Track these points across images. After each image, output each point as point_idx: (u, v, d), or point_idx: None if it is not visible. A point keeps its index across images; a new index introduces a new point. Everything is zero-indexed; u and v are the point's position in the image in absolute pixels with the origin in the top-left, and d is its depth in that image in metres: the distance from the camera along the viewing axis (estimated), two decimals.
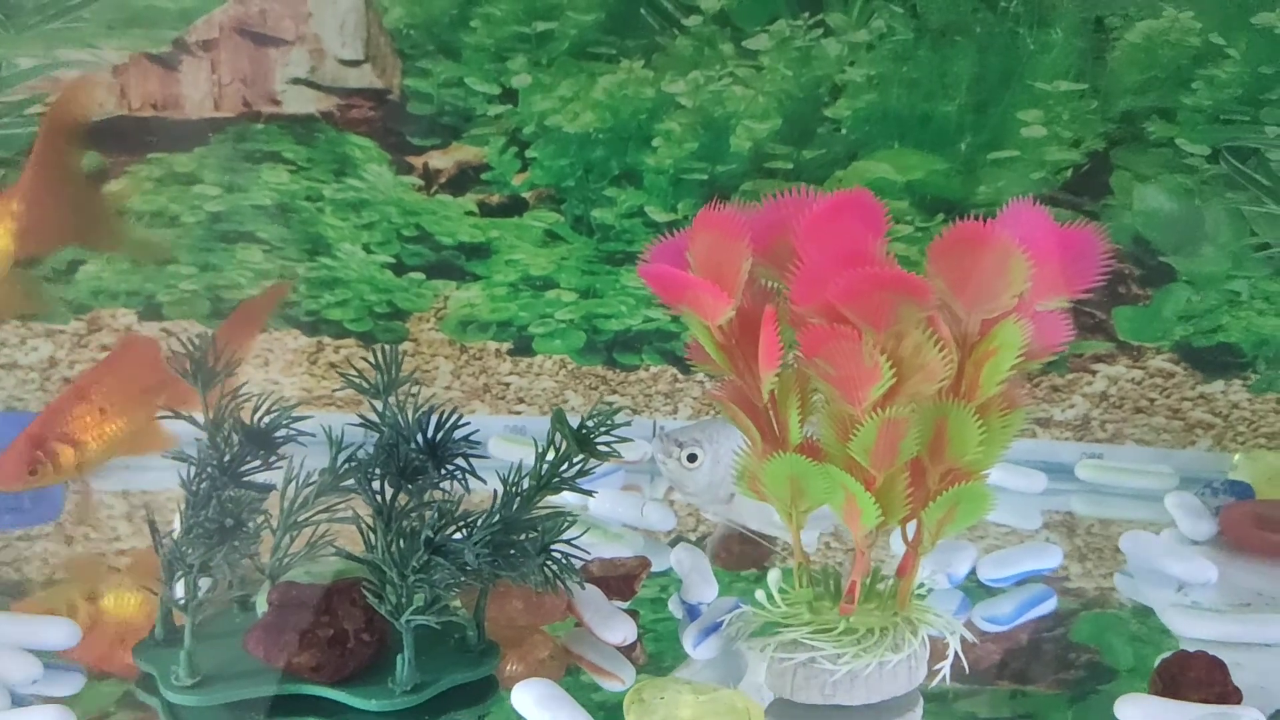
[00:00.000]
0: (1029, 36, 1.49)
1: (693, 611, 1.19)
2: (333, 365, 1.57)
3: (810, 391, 1.02)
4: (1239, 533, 1.37)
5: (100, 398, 1.29)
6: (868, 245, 0.95)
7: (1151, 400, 1.57)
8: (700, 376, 1.59)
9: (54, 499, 1.44)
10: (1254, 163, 1.50)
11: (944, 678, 1.05)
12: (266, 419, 1.07)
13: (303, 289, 1.57)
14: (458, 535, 1.00)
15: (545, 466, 1.05)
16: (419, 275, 1.58)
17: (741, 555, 1.34)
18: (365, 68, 1.53)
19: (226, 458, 1.05)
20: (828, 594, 1.06)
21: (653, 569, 1.24)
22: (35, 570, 1.29)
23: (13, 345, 1.57)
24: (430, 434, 1.05)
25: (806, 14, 1.50)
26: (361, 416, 1.09)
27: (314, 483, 1.06)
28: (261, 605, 1.07)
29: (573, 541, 1.05)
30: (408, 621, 0.99)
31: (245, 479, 1.05)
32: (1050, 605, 1.25)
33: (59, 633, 1.11)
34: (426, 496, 1.05)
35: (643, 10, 1.51)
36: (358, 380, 1.09)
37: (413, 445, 1.04)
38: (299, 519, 1.06)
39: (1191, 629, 1.18)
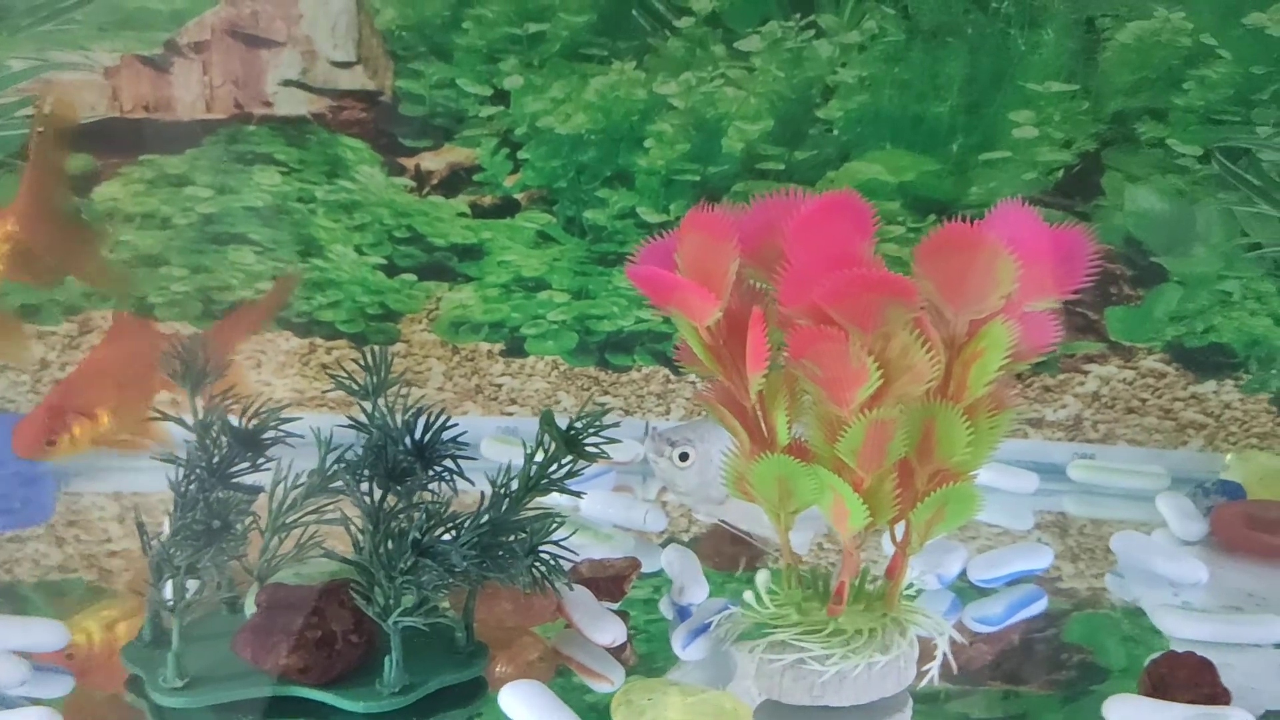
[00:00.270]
0: (1020, 37, 1.49)
1: (683, 612, 1.19)
2: (325, 367, 1.57)
3: (799, 393, 1.02)
4: (1230, 533, 1.37)
5: (115, 371, 1.30)
6: (854, 247, 0.95)
7: (1143, 400, 1.57)
8: (693, 377, 1.59)
9: (45, 500, 1.44)
10: (1245, 163, 1.50)
11: (932, 679, 1.05)
12: (254, 421, 1.07)
13: (295, 290, 1.57)
14: (447, 537, 1.00)
15: (534, 468, 1.05)
16: (411, 276, 1.58)
17: (733, 556, 1.34)
18: (357, 69, 1.53)
19: (215, 459, 1.05)
20: (816, 595, 1.06)
21: (646, 570, 1.24)
22: (26, 572, 1.29)
23: None
24: (418, 435, 1.05)
25: (798, 15, 1.50)
26: (351, 418, 1.09)
27: (302, 484, 1.06)
28: (250, 607, 1.07)
29: (561, 543, 1.05)
30: (395, 623, 0.99)
31: (234, 480, 1.05)
32: (1041, 606, 1.25)
33: (48, 635, 1.11)
34: (416, 498, 1.05)
35: (634, 12, 1.51)
36: (347, 382, 1.09)
37: (401, 447, 1.04)
38: (287, 520, 1.06)
39: (1181, 629, 1.18)
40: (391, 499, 1.04)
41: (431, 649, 1.06)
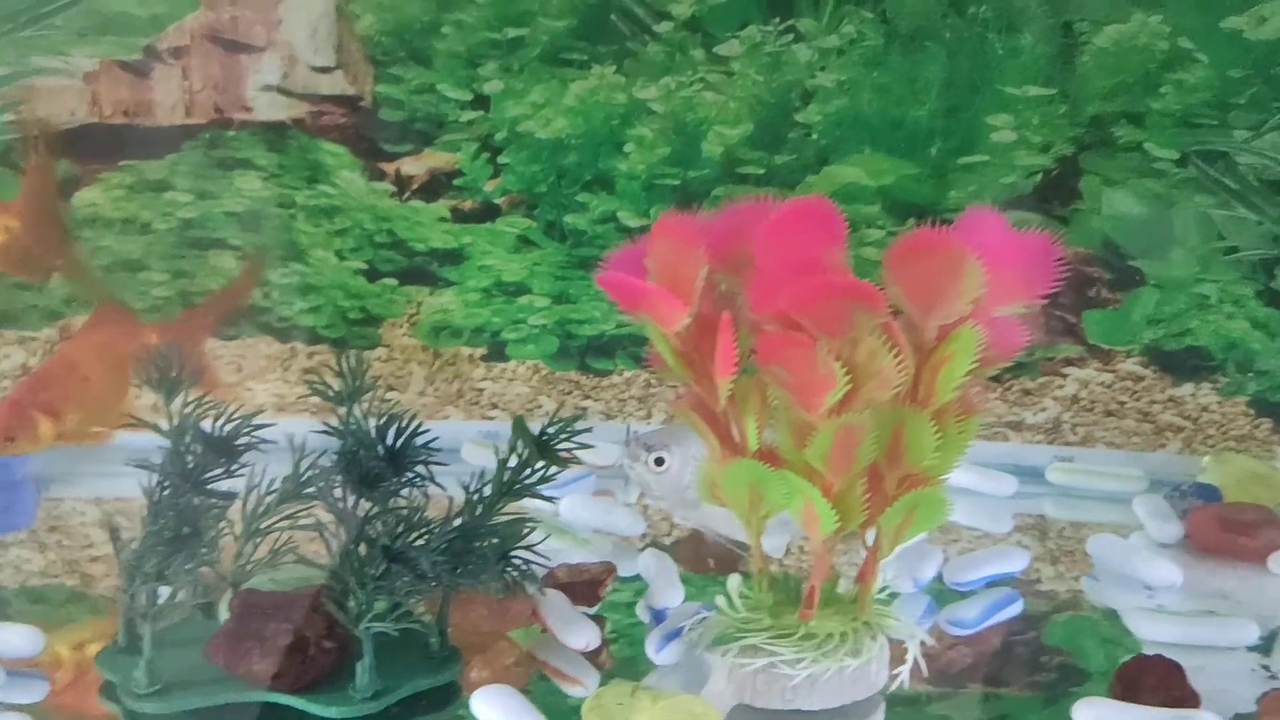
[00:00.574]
0: (998, 42, 1.50)
1: (658, 616, 1.20)
2: (306, 371, 1.58)
3: (770, 398, 1.02)
4: (1205, 536, 1.37)
5: (84, 366, 1.29)
6: (822, 253, 0.95)
7: (1122, 404, 1.57)
8: (675, 381, 1.59)
9: (27, 505, 1.44)
10: (1222, 166, 1.51)
11: (903, 682, 1.05)
12: (228, 427, 1.08)
13: (275, 295, 1.57)
14: (420, 543, 1.01)
15: (507, 473, 1.06)
16: (392, 281, 1.58)
17: (712, 559, 1.34)
18: (337, 74, 1.53)
19: (189, 464, 1.06)
20: (788, 599, 1.06)
21: (626, 575, 1.24)
22: (9, 578, 1.29)
23: None
24: (390, 441, 1.06)
25: (777, 20, 1.51)
26: (326, 423, 1.09)
27: (276, 490, 1.07)
28: (225, 613, 1.07)
29: (533, 548, 1.05)
30: (367, 629, 0.99)
31: (207, 487, 1.05)
32: (1017, 609, 1.25)
33: (21, 640, 1.11)
34: (392, 504, 1.05)
35: (614, 16, 1.51)
36: (322, 388, 1.10)
37: (373, 453, 1.04)
38: (261, 526, 1.06)
39: (1154, 632, 1.18)
40: (365, 505, 1.04)
41: (405, 654, 1.06)
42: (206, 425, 1.09)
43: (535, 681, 1.10)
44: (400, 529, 0.99)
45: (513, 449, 1.06)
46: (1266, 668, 1.15)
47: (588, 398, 1.61)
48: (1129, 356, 1.57)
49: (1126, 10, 1.48)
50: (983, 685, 1.14)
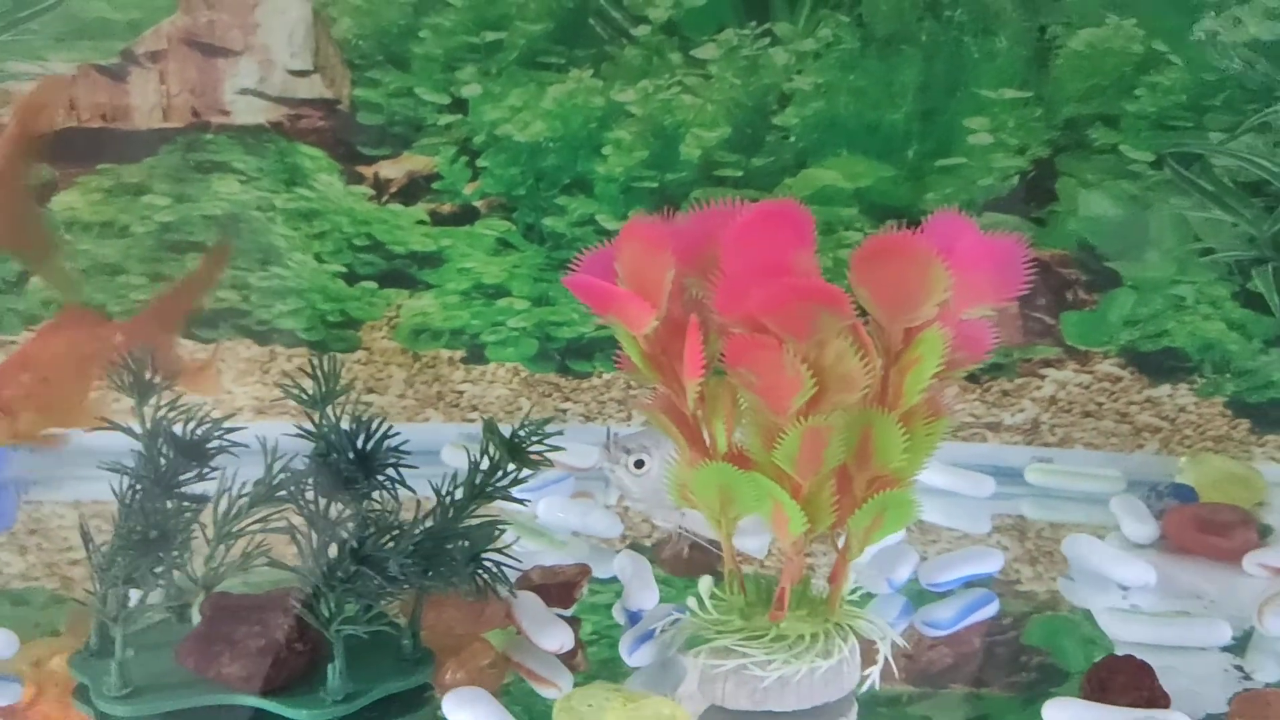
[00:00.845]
0: (974, 45, 1.50)
1: (634, 618, 1.20)
2: (286, 375, 1.58)
3: (740, 400, 1.03)
4: (1181, 536, 1.38)
5: (44, 366, 1.28)
6: (788, 256, 0.96)
7: (1100, 404, 1.58)
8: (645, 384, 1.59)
9: (7, 508, 1.44)
10: (1198, 168, 1.51)
11: (874, 683, 1.06)
12: (200, 430, 1.08)
13: (255, 298, 1.57)
14: (390, 545, 1.01)
15: (479, 476, 1.06)
16: (371, 284, 1.58)
17: (690, 561, 1.34)
18: (314, 78, 1.53)
19: (161, 467, 1.06)
20: (760, 601, 1.07)
21: (603, 576, 1.25)
22: None
23: None
24: (361, 444, 1.06)
25: (754, 23, 1.51)
26: (299, 426, 1.09)
27: (248, 493, 1.07)
28: (198, 616, 1.08)
29: (504, 550, 1.06)
30: (338, 631, 0.99)
31: (178, 490, 1.05)
32: (992, 610, 1.26)
33: None
34: (365, 506, 1.05)
35: (591, 20, 1.52)
36: (296, 391, 1.10)
37: (344, 456, 1.05)
38: (233, 529, 1.07)
39: (1126, 632, 1.19)
40: (336, 508, 1.05)
41: (378, 656, 1.06)
42: (178, 428, 1.09)
43: (516, 682, 1.10)
44: (369, 532, 0.99)
45: (484, 451, 1.06)
46: (1240, 668, 1.16)
47: (567, 400, 1.61)
48: (1106, 358, 1.57)
49: (1100, 13, 1.48)
50: (963, 685, 1.14)
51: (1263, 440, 1.56)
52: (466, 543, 1.03)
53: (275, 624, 1.01)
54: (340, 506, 1.05)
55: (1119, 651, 1.14)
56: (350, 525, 1.02)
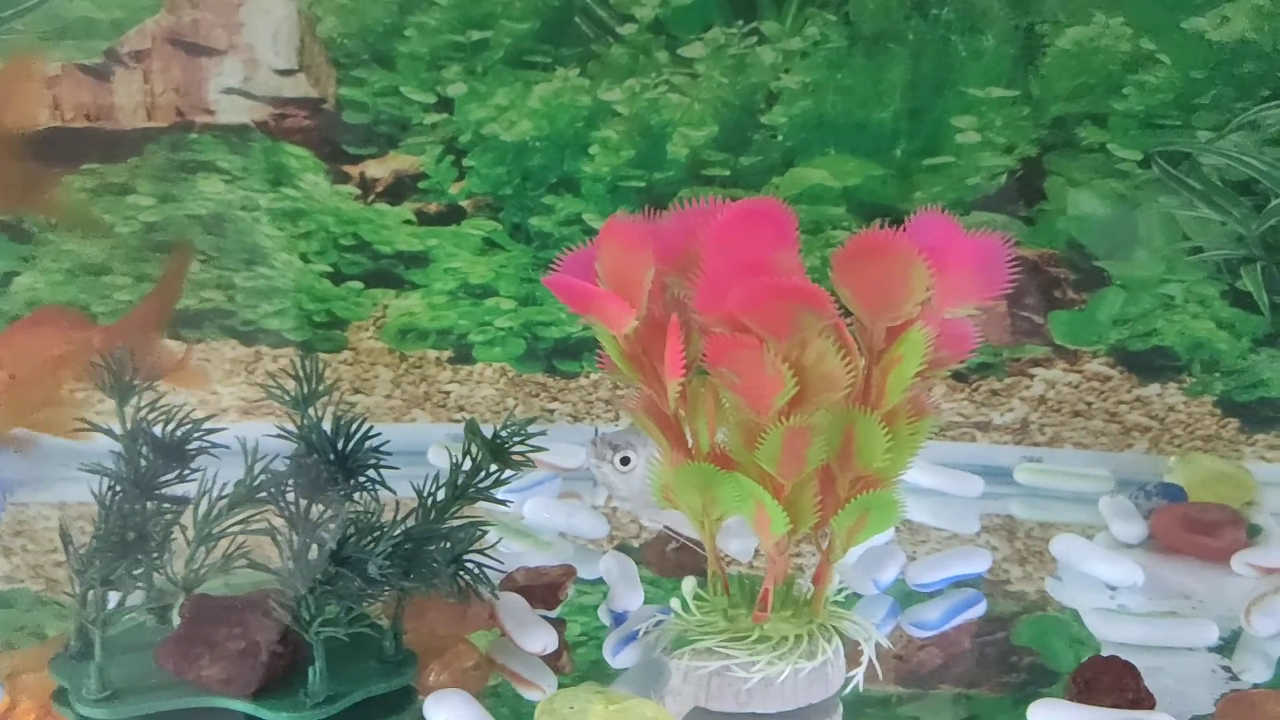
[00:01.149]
0: (961, 43, 1.49)
1: (619, 619, 1.19)
2: (271, 375, 1.57)
3: (722, 400, 1.02)
4: (1170, 536, 1.37)
5: (12, 365, 1.27)
6: (768, 255, 0.95)
7: (1089, 404, 1.57)
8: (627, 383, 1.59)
9: None
10: (1186, 167, 1.51)
11: (858, 684, 1.05)
12: (180, 431, 1.07)
13: (240, 299, 1.57)
14: (370, 546, 1.00)
15: (460, 477, 1.05)
16: (357, 284, 1.58)
17: (676, 561, 1.34)
18: (299, 77, 1.53)
19: (142, 467, 1.05)
20: (744, 602, 1.06)
21: (589, 577, 1.24)
22: None
23: None
24: (341, 445, 1.05)
25: (741, 22, 1.51)
26: (280, 427, 1.09)
27: (228, 495, 1.06)
28: (178, 618, 1.07)
29: (487, 551, 1.05)
30: (318, 633, 0.99)
31: (158, 491, 1.05)
32: (979, 610, 1.25)
33: None
34: (347, 508, 1.05)
35: (578, 19, 1.51)
36: (277, 391, 1.09)
37: (324, 457, 1.04)
38: (214, 531, 1.06)
39: (1113, 633, 1.18)
40: (317, 509, 1.04)
41: (360, 658, 1.06)
42: (158, 429, 1.08)
43: (504, 684, 1.09)
44: (349, 533, 0.98)
45: (466, 452, 1.06)
46: (1227, 669, 1.15)
47: (555, 400, 1.61)
48: (1095, 357, 1.57)
49: (1088, 12, 1.48)
50: (952, 686, 1.13)
51: (1252, 439, 1.56)
52: (448, 544, 1.02)
53: (256, 626, 1.00)
54: (321, 508, 1.04)
55: (1106, 652, 1.13)
56: (331, 526, 1.01)
